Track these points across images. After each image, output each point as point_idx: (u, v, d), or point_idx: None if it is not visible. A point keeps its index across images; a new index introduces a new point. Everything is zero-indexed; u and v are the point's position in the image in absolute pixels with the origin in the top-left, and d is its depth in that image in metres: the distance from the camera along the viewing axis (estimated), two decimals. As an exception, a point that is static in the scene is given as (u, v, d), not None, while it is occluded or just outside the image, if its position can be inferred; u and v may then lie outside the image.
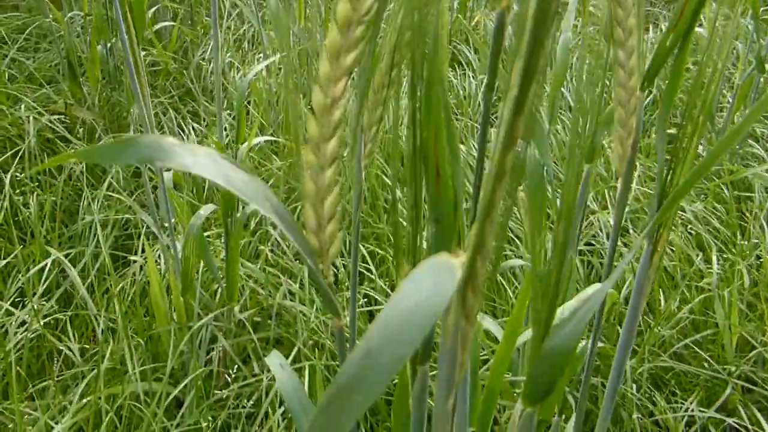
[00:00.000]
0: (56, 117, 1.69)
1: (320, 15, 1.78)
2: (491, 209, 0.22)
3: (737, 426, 1.15)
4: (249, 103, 1.82)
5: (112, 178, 1.52)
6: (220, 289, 1.16)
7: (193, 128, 1.77)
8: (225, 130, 1.55)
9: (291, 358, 1.12)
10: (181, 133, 1.74)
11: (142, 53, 1.85)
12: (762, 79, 1.99)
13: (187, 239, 0.93)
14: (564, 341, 0.32)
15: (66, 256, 1.40)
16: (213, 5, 0.96)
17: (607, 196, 1.76)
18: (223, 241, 1.13)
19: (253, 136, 1.05)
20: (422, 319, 0.19)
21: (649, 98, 2.23)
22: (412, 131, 0.31)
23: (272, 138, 1.39)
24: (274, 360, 0.70)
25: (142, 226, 1.31)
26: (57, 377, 1.16)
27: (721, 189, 1.83)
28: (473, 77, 2.19)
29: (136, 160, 0.26)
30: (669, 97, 0.41)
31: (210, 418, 0.96)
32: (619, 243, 1.52)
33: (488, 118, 0.34)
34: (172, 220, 1.02)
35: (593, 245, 1.55)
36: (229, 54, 2.11)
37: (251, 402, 1.04)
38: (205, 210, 0.94)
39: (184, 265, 0.97)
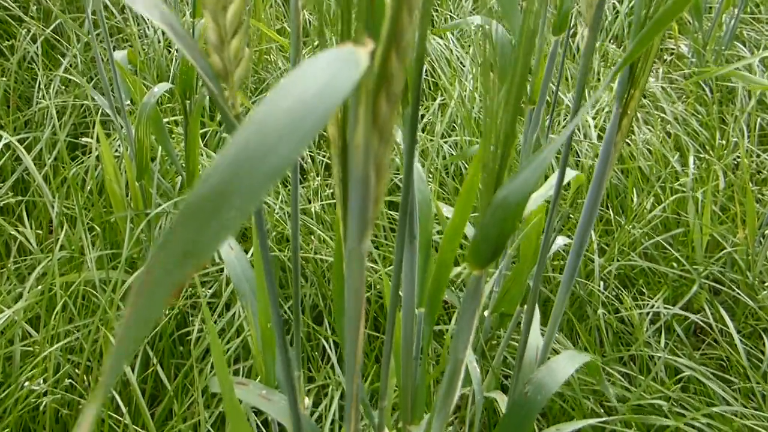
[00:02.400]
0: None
1: None
2: (398, 39, 0.17)
3: (701, 322, 1.15)
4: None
5: (68, 63, 1.44)
6: (181, 180, 1.11)
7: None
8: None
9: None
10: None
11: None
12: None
13: (139, 119, 0.88)
14: (516, 191, 0.28)
15: (21, 141, 1.34)
16: None
17: (586, 94, 1.71)
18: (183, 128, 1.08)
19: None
20: (308, 120, 0.15)
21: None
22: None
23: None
24: (224, 247, 0.66)
25: (99, 112, 1.25)
26: (13, 264, 1.12)
27: (704, 90, 1.79)
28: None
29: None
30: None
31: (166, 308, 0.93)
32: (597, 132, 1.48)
33: None
34: (126, 102, 0.96)
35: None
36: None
37: (211, 291, 1.02)
38: (160, 88, 0.88)
39: (138, 147, 0.92)
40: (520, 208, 0.29)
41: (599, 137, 1.59)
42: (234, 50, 0.24)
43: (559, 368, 0.54)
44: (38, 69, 1.44)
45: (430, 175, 1.30)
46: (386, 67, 0.18)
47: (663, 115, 1.65)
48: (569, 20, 0.65)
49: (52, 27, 1.47)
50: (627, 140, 1.59)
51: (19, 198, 1.26)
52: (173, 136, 1.23)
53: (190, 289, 1.00)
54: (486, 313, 0.92)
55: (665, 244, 1.29)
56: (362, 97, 0.18)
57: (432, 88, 1.63)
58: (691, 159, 1.46)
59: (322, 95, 0.15)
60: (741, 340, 1.11)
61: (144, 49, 1.53)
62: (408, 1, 0.17)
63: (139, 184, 0.99)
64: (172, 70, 1.50)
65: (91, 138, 1.26)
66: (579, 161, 1.48)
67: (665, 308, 1.14)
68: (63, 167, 1.26)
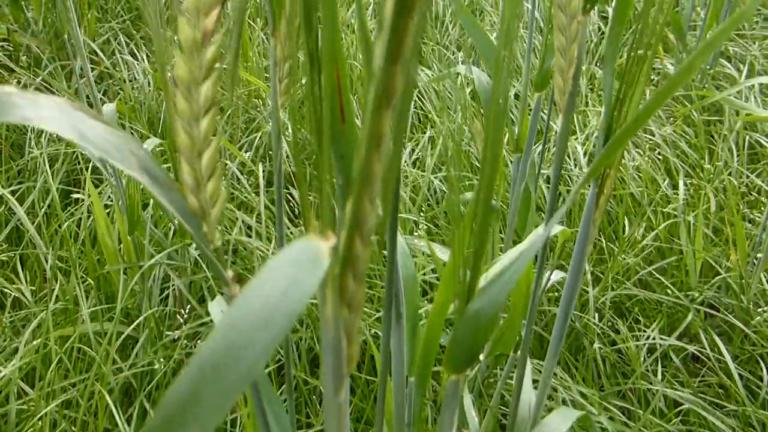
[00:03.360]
0: (-1, 45, 1.60)
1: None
2: (369, 180, 0.18)
3: (698, 353, 1.16)
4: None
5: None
6: (173, 227, 1.12)
7: (147, 55, 1.69)
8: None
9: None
10: (134, 60, 1.66)
11: (88, -26, 1.74)
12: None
13: (130, 177, 0.88)
14: (488, 305, 0.29)
15: (14, 192, 1.34)
16: None
17: (575, 120, 1.72)
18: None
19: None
20: (274, 324, 0.15)
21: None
22: (308, 68, 0.26)
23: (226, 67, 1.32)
24: (215, 308, 0.67)
25: (90, 162, 1.25)
26: (8, 317, 1.12)
27: (691, 111, 1.80)
28: (441, -3, 2.11)
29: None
30: (620, 16, 0.37)
31: (162, 359, 0.94)
32: (585, 166, 1.49)
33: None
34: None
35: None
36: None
37: (206, 341, 1.02)
38: (148, 145, 0.89)
39: (129, 203, 0.92)
40: (492, 321, 0.29)
41: (590, 161, 1.60)
42: (210, 192, 0.24)
43: (551, 429, 0.54)
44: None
45: (422, 213, 1.31)
46: (351, 252, 0.18)
47: (651, 137, 1.66)
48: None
49: (41, 76, 1.48)
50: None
51: (14, 248, 1.27)
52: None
53: (185, 341, 1.00)
54: (481, 357, 0.92)
55: (660, 272, 1.29)
56: (328, 281, 0.18)
57: (422, 121, 1.64)
58: (681, 182, 1.47)
59: (287, 298, 0.16)
60: (737, 368, 1.11)
61: (134, 94, 1.54)
62: (369, 191, 0.18)
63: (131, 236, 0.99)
64: (162, 113, 1.51)
65: (83, 189, 1.26)
66: (569, 189, 1.49)
67: (662, 339, 1.15)
68: (56, 216, 1.27)
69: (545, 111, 1.14)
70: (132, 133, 1.37)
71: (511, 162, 1.37)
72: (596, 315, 1.20)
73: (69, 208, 1.35)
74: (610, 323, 1.21)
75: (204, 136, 0.24)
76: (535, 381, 0.87)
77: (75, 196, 1.20)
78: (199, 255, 1.10)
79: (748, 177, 1.58)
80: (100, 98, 1.57)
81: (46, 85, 1.49)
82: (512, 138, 0.84)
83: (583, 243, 0.43)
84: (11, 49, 1.61)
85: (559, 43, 0.37)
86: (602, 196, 0.42)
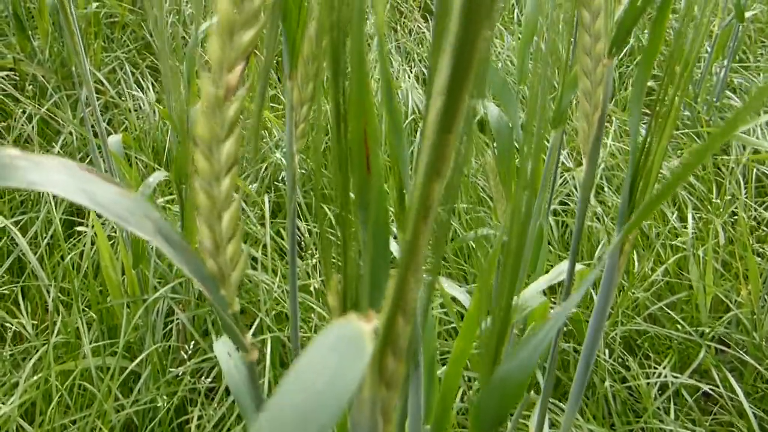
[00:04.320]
0: (5, 73, 1.60)
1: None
2: (414, 257, 0.16)
3: (710, 391, 1.13)
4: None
5: (64, 140, 1.44)
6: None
7: (152, 84, 1.69)
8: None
9: (253, 328, 1.07)
10: (139, 89, 1.66)
11: (95, 5, 1.74)
12: (741, 28, 1.94)
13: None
14: (517, 370, 0.27)
15: (17, 222, 1.33)
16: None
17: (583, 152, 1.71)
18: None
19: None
20: (317, 421, 0.14)
21: (626, 48, 2.17)
22: (335, 118, 0.25)
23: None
24: (221, 348, 0.65)
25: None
26: (8, 350, 1.10)
27: (697, 143, 1.79)
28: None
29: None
30: (644, 70, 0.36)
31: (165, 396, 0.92)
32: (593, 202, 1.48)
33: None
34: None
35: (567, 204, 1.51)
36: (189, 5, 2.01)
37: (210, 378, 1.00)
38: (154, 178, 0.88)
39: (134, 238, 0.91)
40: (522, 386, 0.28)
41: (597, 192, 1.59)
42: (230, 254, 0.23)
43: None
44: (34, 146, 1.44)
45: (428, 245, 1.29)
46: (392, 330, 0.17)
47: (660, 171, 1.64)
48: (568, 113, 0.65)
49: (46, 106, 1.47)
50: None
51: (16, 279, 1.25)
52: (168, 214, 1.22)
53: (188, 377, 0.98)
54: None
55: (669, 306, 1.28)
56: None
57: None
58: (689, 215, 1.46)
59: (331, 391, 0.14)
60: (751, 407, 1.08)
61: (140, 124, 1.54)
62: (415, 266, 0.16)
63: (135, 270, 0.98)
64: (167, 141, 1.50)
65: (86, 219, 1.25)
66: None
67: (673, 376, 1.12)
68: (59, 246, 1.25)
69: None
70: (137, 163, 1.37)
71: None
72: (606, 351, 1.18)
73: (72, 239, 1.34)
74: (620, 359, 1.19)
75: (225, 196, 0.22)
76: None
77: (79, 228, 1.19)
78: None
79: (756, 210, 1.57)
80: (105, 127, 1.56)
81: (51, 114, 1.49)
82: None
83: (607, 291, 0.42)
84: (17, 78, 1.61)
85: (583, 87, 0.36)
86: (627, 242, 0.41)
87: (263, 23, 0.21)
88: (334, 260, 0.27)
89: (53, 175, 0.20)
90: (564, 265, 0.63)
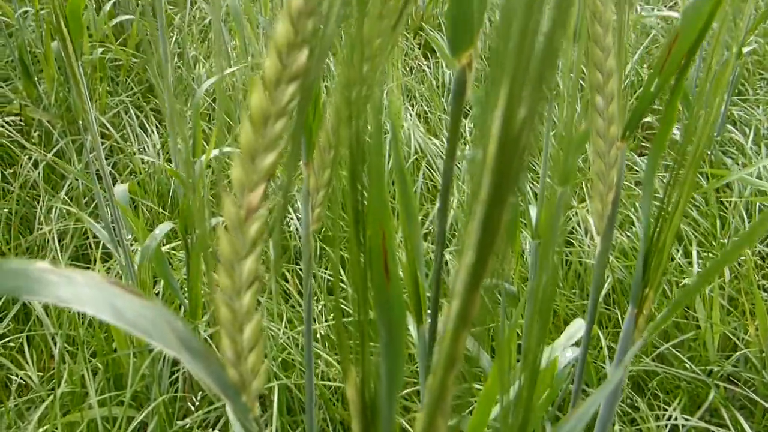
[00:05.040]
0: (11, 119, 1.61)
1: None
2: (442, 399, 0.17)
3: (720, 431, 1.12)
4: (213, 100, 1.74)
5: (70, 185, 1.45)
6: (183, 309, 1.10)
7: (156, 127, 1.70)
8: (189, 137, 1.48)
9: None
10: (144, 133, 1.67)
11: (100, 50, 1.77)
12: (739, 63, 1.95)
13: (141, 262, 0.87)
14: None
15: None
16: (159, 17, 0.90)
17: (585, 187, 1.72)
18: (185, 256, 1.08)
19: (213, 148, 0.99)
20: None
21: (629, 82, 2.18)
22: (352, 224, 0.26)
23: (233, 150, 1.32)
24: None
25: (101, 245, 1.24)
26: (13, 401, 1.10)
27: (699, 178, 1.80)
28: (446, 66, 2.13)
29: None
30: (656, 153, 0.36)
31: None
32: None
33: (447, 198, 0.29)
34: (126, 241, 0.96)
35: (572, 244, 1.51)
36: (193, 47, 2.03)
37: (217, 429, 0.99)
38: (160, 230, 0.88)
39: (140, 288, 0.91)
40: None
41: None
42: (252, 364, 0.23)
43: None
44: (40, 191, 1.45)
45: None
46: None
47: (662, 205, 1.65)
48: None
49: (52, 152, 1.49)
50: (629, 233, 1.59)
51: (21, 328, 1.25)
52: (173, 262, 1.22)
53: (196, 428, 0.98)
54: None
55: (677, 345, 1.27)
56: None
57: (431, 191, 1.64)
58: (694, 252, 1.46)
59: None
60: (763, 449, 1.08)
61: (144, 168, 1.55)
62: (442, 409, 0.16)
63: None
64: (172, 186, 1.51)
65: (92, 265, 1.25)
66: (582, 261, 1.48)
67: (684, 418, 1.12)
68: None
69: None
70: (143, 210, 1.37)
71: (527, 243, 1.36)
72: (615, 393, 1.17)
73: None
74: (629, 399, 1.19)
75: (246, 310, 0.23)
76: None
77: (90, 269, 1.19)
78: (209, 336, 1.09)
79: (761, 243, 1.57)
80: (110, 171, 1.57)
81: (57, 159, 1.50)
82: (529, 223, 0.83)
83: (621, 366, 0.42)
84: (23, 124, 1.63)
85: (597, 168, 0.36)
86: (641, 316, 0.41)
87: (285, 146, 0.22)
88: (351, 356, 0.27)
89: (82, 290, 0.21)
90: (579, 323, 0.63)
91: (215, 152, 0.91)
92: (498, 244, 0.15)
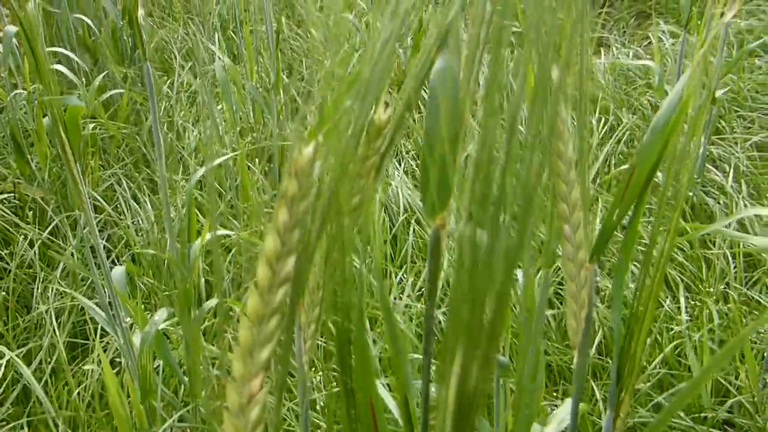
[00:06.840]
0: (4, 197, 1.64)
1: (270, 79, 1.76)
2: None
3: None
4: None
5: (65, 264, 1.47)
6: (184, 387, 1.12)
7: (149, 197, 1.73)
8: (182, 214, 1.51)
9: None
10: (137, 204, 1.70)
11: (91, 125, 1.80)
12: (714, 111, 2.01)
13: (141, 348, 0.89)
14: None
15: (21, 348, 1.35)
16: (151, 98, 0.93)
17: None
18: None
19: (207, 231, 1.02)
20: None
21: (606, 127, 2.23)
22: (343, 395, 0.28)
23: (229, 232, 1.35)
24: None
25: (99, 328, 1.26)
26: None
27: (681, 218, 1.83)
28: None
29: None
30: (620, 276, 0.39)
31: None
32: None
33: (430, 348, 0.32)
34: (124, 325, 0.98)
35: (561, 295, 1.54)
36: (182, 114, 2.08)
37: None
38: (159, 316, 0.90)
39: (141, 374, 0.93)
40: None
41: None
42: None
43: None
44: (37, 269, 1.47)
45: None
46: None
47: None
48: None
49: (47, 230, 1.51)
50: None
51: (21, 406, 1.26)
52: (172, 340, 1.24)
53: None
54: None
55: (672, 395, 1.29)
56: None
57: (422, 250, 1.67)
58: (682, 299, 1.48)
59: None
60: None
61: (138, 239, 1.57)
62: None
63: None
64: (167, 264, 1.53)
65: (90, 340, 1.27)
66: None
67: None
68: (62, 370, 1.27)
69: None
70: (139, 285, 1.39)
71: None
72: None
73: (76, 360, 1.36)
74: (626, 453, 1.20)
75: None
76: None
77: (86, 367, 1.21)
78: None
79: (746, 284, 1.60)
80: (105, 244, 1.59)
81: (52, 238, 1.52)
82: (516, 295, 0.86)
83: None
84: (17, 201, 1.65)
85: (570, 290, 0.39)
86: (619, 419, 0.43)
87: (278, 341, 0.25)
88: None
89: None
90: (567, 407, 0.65)
91: (209, 235, 0.94)
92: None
